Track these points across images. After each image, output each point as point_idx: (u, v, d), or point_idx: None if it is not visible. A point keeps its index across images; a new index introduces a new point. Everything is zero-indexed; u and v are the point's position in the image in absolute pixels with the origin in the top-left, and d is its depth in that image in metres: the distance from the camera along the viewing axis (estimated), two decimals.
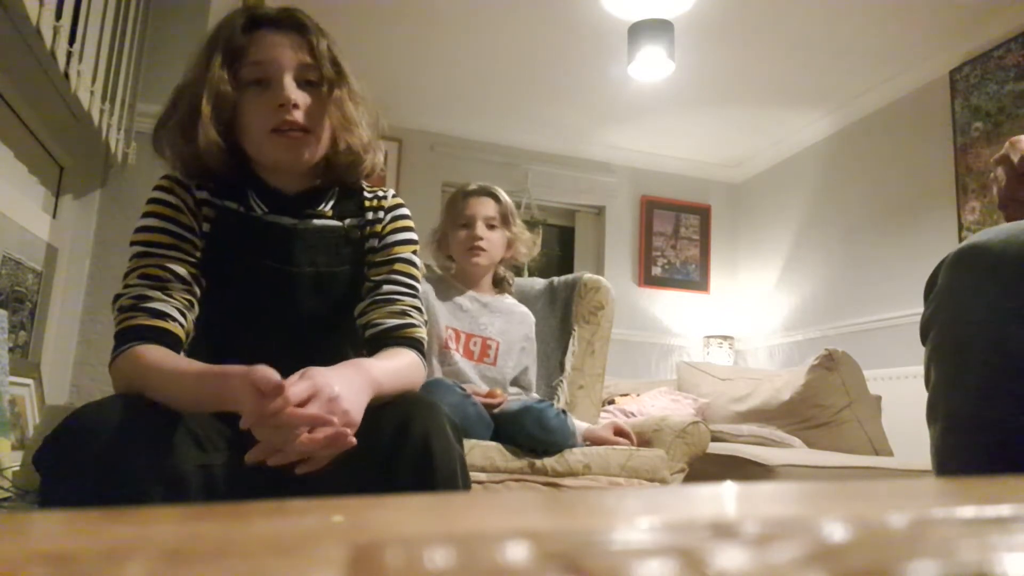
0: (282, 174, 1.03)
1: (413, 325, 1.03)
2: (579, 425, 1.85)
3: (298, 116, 0.97)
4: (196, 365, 0.88)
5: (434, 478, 0.84)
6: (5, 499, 1.26)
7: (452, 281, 1.92)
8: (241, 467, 0.88)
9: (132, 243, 0.97)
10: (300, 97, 0.97)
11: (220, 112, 0.96)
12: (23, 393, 1.54)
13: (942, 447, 0.85)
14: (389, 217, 1.09)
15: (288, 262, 1.01)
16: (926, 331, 0.90)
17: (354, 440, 0.80)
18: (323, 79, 0.99)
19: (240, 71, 0.98)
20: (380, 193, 1.12)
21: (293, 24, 1.00)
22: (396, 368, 0.95)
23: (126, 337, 0.90)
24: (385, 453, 0.85)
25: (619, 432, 1.84)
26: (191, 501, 0.81)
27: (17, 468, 1.34)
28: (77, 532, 0.26)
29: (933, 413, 0.88)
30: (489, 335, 1.87)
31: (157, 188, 1.00)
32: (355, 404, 0.83)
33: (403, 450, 0.84)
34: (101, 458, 0.75)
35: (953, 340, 0.85)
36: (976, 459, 0.81)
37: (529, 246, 1.96)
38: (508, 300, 1.97)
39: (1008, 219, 0.93)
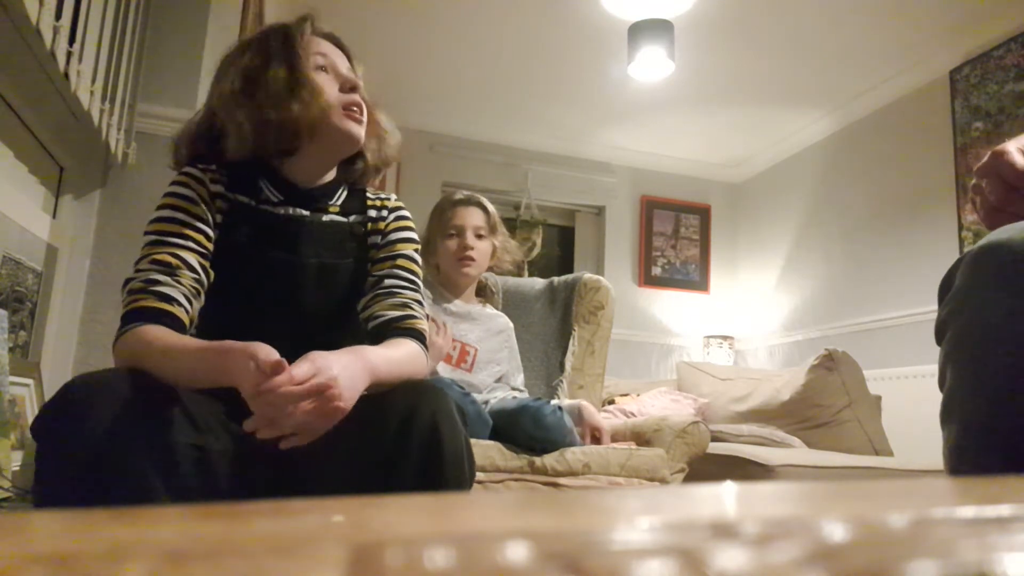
0: (299, 167, 1.09)
1: (414, 317, 1.07)
2: (568, 404, 1.84)
3: (359, 99, 1.08)
4: (196, 341, 0.91)
5: (442, 460, 0.86)
6: (5, 499, 1.26)
7: (437, 287, 1.93)
8: (237, 451, 0.92)
9: (146, 232, 1.01)
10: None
11: (283, 86, 1.03)
12: (23, 393, 1.54)
13: (956, 449, 0.84)
14: (392, 216, 1.15)
15: (294, 252, 1.05)
16: (942, 332, 0.89)
17: (345, 407, 0.83)
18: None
19: (308, 57, 1.07)
20: (383, 196, 1.18)
21: (339, 43, 1.14)
22: (396, 357, 0.98)
23: (132, 318, 0.93)
24: (394, 437, 0.87)
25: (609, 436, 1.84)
26: (183, 477, 0.84)
27: (17, 468, 1.34)
28: (77, 532, 0.26)
29: (948, 415, 0.86)
30: (468, 342, 1.87)
31: (173, 183, 1.05)
32: (350, 389, 0.85)
33: (411, 433, 0.87)
34: (95, 427, 0.77)
35: (971, 342, 0.84)
36: (991, 462, 0.80)
37: (514, 254, 1.99)
38: (488, 310, 1.99)
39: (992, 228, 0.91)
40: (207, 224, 1.02)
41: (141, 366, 0.87)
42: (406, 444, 0.86)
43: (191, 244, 0.99)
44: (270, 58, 1.04)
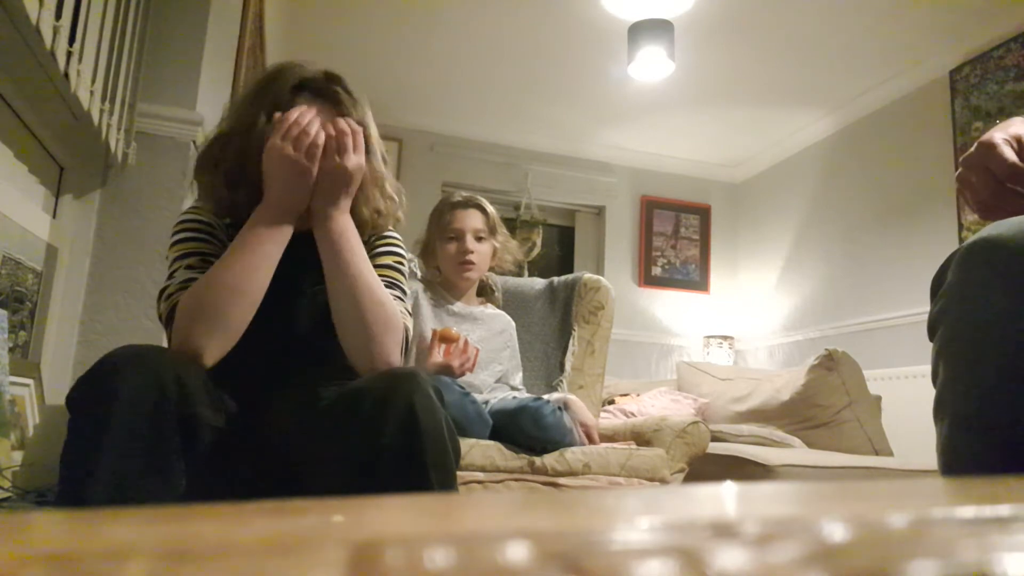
0: None
1: (402, 312, 1.12)
2: (555, 397, 1.83)
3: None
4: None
5: (421, 438, 0.87)
6: (5, 499, 1.26)
7: (438, 289, 1.93)
8: (225, 431, 0.97)
9: (169, 256, 1.10)
10: None
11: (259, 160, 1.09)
12: (23, 393, 1.54)
13: (948, 446, 0.84)
14: (380, 240, 1.22)
15: (291, 266, 1.10)
16: (934, 328, 0.88)
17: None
18: None
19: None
20: (377, 231, 1.24)
21: (332, 98, 1.12)
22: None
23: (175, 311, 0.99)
24: (369, 420, 0.88)
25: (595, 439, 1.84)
26: (202, 454, 0.89)
27: (17, 468, 1.34)
28: (77, 532, 0.26)
29: (940, 411, 0.86)
30: (470, 342, 1.87)
31: (183, 214, 1.15)
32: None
33: (387, 414, 0.88)
34: (126, 398, 0.82)
35: (963, 338, 0.84)
36: (983, 458, 0.80)
37: (515, 254, 1.99)
38: (489, 309, 1.98)
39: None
40: (220, 240, 1.12)
41: (207, 302, 0.95)
42: (383, 425, 0.87)
43: (214, 250, 1.09)
44: (237, 127, 1.11)
